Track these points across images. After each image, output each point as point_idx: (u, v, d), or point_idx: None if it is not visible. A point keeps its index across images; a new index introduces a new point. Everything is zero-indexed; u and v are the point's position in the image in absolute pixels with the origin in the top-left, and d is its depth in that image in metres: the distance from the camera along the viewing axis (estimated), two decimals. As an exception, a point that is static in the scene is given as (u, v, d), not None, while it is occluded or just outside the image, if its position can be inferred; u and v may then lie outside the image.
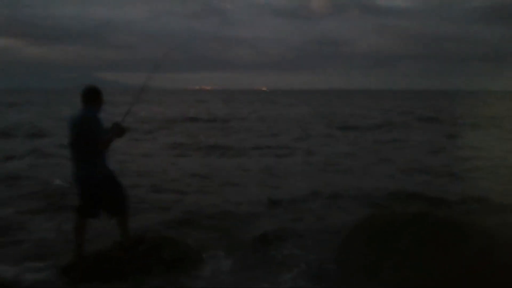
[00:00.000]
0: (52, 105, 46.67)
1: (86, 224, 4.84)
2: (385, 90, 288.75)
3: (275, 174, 10.92)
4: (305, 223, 6.78)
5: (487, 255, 3.36)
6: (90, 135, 4.52)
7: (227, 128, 24.06)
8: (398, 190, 8.61)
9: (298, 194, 8.51)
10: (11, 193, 8.44)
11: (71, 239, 4.88)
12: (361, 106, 52.05)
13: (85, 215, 4.80)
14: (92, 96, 4.71)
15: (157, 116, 31.20)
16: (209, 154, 14.50)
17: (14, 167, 11.29)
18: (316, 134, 20.55)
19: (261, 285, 4.68)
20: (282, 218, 7.09)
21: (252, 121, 28.39)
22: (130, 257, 4.80)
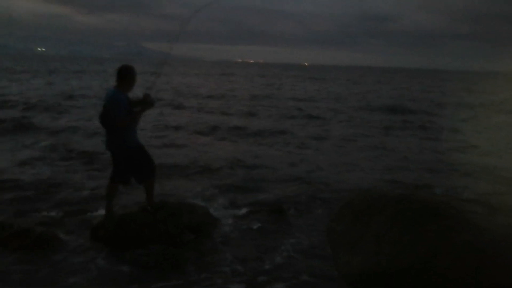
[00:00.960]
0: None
1: (116, 189, 5.44)
2: (432, 70, 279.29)
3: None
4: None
5: (455, 233, 3.67)
6: (111, 114, 4.96)
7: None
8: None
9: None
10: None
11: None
12: (401, 86, 50.70)
13: (116, 181, 5.38)
14: (124, 75, 5.07)
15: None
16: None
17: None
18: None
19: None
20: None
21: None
22: (151, 221, 5.31)
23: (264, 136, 13.41)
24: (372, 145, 12.31)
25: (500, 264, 3.50)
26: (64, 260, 4.79)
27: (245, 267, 4.76)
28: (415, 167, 9.63)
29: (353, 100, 27.89)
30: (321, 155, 10.92)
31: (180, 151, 10.69)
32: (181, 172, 8.57)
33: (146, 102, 5.15)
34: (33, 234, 5.06)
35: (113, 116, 4.95)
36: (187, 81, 43.52)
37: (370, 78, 74.82)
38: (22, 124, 13.44)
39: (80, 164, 8.94)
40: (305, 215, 6.41)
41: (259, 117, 18.15)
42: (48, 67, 62.76)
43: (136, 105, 5.15)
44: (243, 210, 6.47)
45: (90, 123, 13.85)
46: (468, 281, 3.42)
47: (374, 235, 4.10)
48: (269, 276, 4.55)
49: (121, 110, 4.96)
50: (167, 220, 5.34)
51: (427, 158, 10.75)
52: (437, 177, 8.78)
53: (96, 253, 4.99)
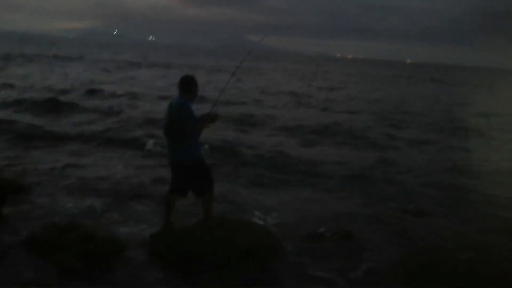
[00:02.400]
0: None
1: (175, 201, 5.43)
2: None
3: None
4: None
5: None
6: (179, 120, 4.91)
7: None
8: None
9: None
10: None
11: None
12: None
13: (175, 193, 5.38)
14: (187, 86, 5.08)
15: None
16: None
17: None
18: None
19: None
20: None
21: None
22: (209, 238, 5.22)
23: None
24: None
25: None
26: (120, 271, 4.86)
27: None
28: None
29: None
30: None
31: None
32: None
33: (212, 117, 5.10)
34: (96, 239, 5.19)
35: (183, 124, 4.90)
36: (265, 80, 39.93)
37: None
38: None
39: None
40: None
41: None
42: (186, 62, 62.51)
43: (201, 119, 5.12)
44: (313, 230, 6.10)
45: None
46: None
47: None
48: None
49: (192, 117, 4.94)
50: (224, 239, 5.21)
51: None
52: None
53: (151, 266, 5.01)
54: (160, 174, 8.09)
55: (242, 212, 6.56)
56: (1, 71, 28.79)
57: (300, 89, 30.01)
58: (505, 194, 8.10)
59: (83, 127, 12.43)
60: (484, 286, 4.13)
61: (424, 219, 6.75)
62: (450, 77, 73.86)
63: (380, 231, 6.20)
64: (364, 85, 41.69)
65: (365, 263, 5.24)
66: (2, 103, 15.72)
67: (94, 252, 5.03)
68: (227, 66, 49.40)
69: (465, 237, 6.05)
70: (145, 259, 5.14)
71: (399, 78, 58.11)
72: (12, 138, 10.50)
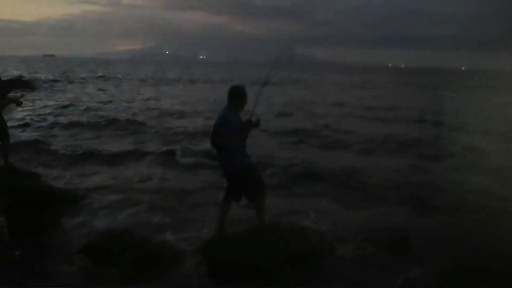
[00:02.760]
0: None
1: (229, 206, 5.47)
2: None
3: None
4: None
5: None
6: (220, 133, 5.02)
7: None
8: None
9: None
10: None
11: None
12: None
13: (228, 198, 5.44)
14: (236, 96, 5.13)
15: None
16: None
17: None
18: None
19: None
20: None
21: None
22: (262, 243, 5.10)
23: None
24: None
25: None
26: (173, 276, 4.84)
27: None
28: None
29: None
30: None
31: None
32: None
33: (254, 123, 5.17)
34: (150, 245, 5.22)
35: (221, 136, 5.02)
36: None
37: None
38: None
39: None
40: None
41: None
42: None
43: (242, 127, 5.14)
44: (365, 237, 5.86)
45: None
46: None
47: None
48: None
49: (229, 130, 4.98)
50: (275, 243, 5.09)
51: None
52: None
53: (204, 271, 4.98)
54: (208, 181, 8.19)
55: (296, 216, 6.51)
56: (61, 92, 30.34)
57: (349, 100, 29.33)
58: None
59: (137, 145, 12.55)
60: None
61: (477, 234, 6.25)
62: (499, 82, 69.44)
63: (433, 241, 5.82)
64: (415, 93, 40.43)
65: (411, 271, 5.00)
66: (66, 124, 16.15)
67: (147, 258, 5.05)
68: (276, 78, 49.60)
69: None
70: (198, 265, 5.11)
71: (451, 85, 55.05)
72: (76, 155, 10.83)
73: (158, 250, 5.23)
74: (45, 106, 20.93)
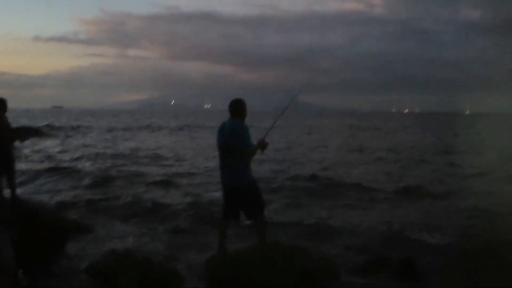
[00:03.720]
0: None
1: (229, 224, 5.44)
2: None
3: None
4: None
5: None
6: (239, 142, 5.02)
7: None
8: None
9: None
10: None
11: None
12: None
13: (227, 216, 5.40)
14: (236, 109, 5.21)
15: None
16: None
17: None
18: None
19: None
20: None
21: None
22: (265, 262, 5.14)
23: None
24: None
25: None
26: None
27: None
28: None
29: None
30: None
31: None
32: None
33: (263, 145, 5.22)
34: (152, 264, 5.26)
35: (243, 145, 5.01)
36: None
37: None
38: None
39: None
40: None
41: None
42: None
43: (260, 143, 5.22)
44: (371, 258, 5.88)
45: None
46: None
47: None
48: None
49: (240, 140, 5.02)
50: (279, 263, 5.10)
51: None
52: None
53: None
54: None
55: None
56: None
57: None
58: None
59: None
60: None
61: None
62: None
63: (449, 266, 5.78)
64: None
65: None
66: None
67: (150, 278, 5.09)
68: (280, 125, 48.64)
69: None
70: (201, 285, 5.13)
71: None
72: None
73: (163, 271, 5.28)
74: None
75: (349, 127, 54.22)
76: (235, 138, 5.04)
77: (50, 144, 24.61)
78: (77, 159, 17.98)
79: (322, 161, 18.04)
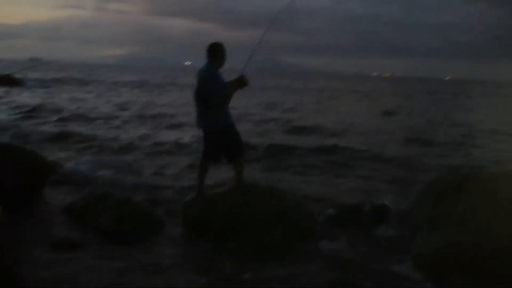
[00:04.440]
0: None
1: (208, 167, 5.45)
2: None
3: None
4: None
5: None
6: (207, 89, 4.96)
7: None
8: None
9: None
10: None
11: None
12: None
13: (207, 159, 5.42)
14: (214, 52, 5.11)
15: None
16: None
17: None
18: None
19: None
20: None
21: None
22: (239, 202, 5.24)
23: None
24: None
25: None
26: (153, 235, 5.04)
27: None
28: None
29: None
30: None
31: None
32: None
33: (241, 81, 5.10)
34: (130, 204, 5.36)
35: (211, 91, 4.93)
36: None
37: None
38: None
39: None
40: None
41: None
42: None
43: (229, 85, 5.10)
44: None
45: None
46: None
47: (459, 216, 3.53)
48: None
49: (218, 85, 4.96)
50: (256, 203, 5.23)
51: None
52: None
53: (183, 231, 5.17)
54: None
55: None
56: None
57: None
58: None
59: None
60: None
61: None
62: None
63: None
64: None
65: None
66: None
67: (128, 216, 5.18)
68: (258, 86, 45.85)
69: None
70: (178, 225, 5.24)
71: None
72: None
73: (139, 211, 5.37)
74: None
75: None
76: (208, 83, 4.98)
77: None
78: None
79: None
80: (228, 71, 5.22)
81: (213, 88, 4.94)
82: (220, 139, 5.22)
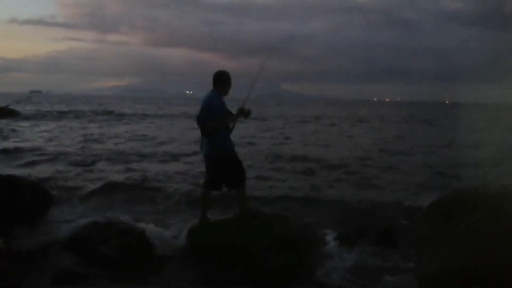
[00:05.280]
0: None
1: (210, 195, 5.48)
2: None
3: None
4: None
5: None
6: (203, 117, 5.01)
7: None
8: None
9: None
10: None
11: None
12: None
13: (209, 187, 5.43)
14: (218, 80, 5.21)
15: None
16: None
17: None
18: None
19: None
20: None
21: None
22: (245, 229, 5.20)
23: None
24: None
25: None
26: (157, 262, 4.96)
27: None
28: None
29: None
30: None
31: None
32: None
33: (244, 111, 5.25)
34: (135, 233, 5.29)
35: (207, 120, 5.01)
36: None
37: None
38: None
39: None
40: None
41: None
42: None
43: (230, 115, 5.24)
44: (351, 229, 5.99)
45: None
46: None
47: (463, 235, 3.52)
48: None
49: (220, 110, 5.04)
50: (260, 230, 5.18)
51: None
52: None
53: (188, 258, 5.09)
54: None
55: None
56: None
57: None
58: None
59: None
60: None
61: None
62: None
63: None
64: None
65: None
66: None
67: (133, 245, 5.12)
68: (260, 114, 45.44)
69: None
70: (183, 252, 5.19)
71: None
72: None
73: (144, 238, 5.31)
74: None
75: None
76: (208, 110, 5.03)
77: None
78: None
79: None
80: (232, 99, 5.31)
81: (209, 117, 5.00)
82: (221, 165, 5.24)
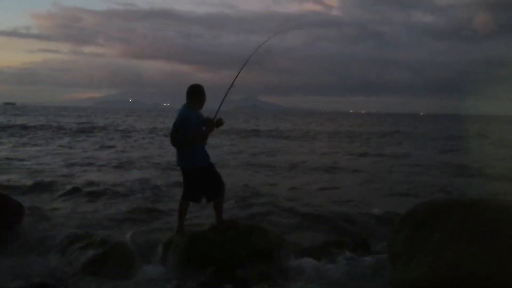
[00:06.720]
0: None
1: (187, 206, 5.45)
2: None
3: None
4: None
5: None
6: (182, 130, 5.03)
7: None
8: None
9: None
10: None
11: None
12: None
13: (187, 199, 5.42)
14: (192, 94, 5.21)
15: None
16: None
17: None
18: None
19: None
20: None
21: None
22: (222, 239, 5.22)
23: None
24: None
25: None
26: (131, 275, 4.92)
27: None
28: None
29: None
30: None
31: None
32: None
33: (216, 122, 5.23)
34: (108, 245, 5.23)
35: (181, 133, 5.03)
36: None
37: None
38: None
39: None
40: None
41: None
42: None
43: (204, 124, 5.24)
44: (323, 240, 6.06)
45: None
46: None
47: (437, 244, 3.61)
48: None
49: (188, 127, 5.05)
50: (236, 240, 5.21)
51: None
52: None
53: (163, 268, 5.05)
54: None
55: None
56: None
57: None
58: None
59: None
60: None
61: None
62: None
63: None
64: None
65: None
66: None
67: (106, 258, 5.08)
68: (238, 128, 44.08)
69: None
70: (158, 263, 5.17)
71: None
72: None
73: (120, 250, 5.27)
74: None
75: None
76: (183, 128, 5.04)
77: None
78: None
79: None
80: (203, 110, 5.32)
81: (183, 130, 5.03)
82: (198, 177, 5.25)
